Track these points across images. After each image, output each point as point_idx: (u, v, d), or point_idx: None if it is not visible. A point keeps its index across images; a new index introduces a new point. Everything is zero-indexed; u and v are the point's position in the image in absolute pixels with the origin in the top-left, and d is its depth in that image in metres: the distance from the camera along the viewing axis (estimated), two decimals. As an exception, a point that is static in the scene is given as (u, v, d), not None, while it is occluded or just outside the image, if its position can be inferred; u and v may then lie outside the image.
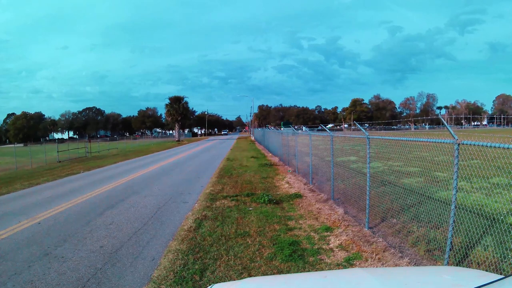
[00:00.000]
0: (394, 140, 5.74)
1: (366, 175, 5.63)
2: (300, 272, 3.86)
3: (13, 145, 35.80)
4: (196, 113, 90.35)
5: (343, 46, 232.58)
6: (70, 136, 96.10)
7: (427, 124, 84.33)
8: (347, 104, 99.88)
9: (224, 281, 3.69)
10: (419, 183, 6.98)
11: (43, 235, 5.71)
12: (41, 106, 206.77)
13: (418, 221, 5.02)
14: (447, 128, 3.63)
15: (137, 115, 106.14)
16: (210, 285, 1.42)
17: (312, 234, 5.40)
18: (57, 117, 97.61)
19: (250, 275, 3.92)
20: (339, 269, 3.99)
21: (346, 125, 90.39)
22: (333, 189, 7.52)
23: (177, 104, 56.78)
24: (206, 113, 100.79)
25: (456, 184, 3.56)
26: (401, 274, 1.65)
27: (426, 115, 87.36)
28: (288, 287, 1.45)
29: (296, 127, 43.71)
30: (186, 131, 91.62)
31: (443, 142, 3.71)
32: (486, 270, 2.55)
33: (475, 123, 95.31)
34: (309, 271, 3.93)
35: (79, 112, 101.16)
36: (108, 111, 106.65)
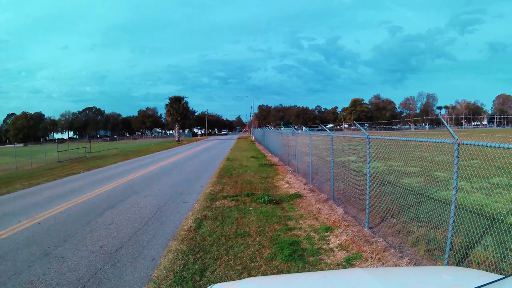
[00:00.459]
0: (394, 140, 5.74)
1: (366, 175, 5.63)
2: (300, 272, 3.86)
3: (13, 145, 35.81)
4: (196, 113, 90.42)
5: (343, 46, 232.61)
6: (70, 136, 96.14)
7: (427, 124, 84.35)
8: (347, 104, 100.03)
9: (224, 281, 3.69)
10: (419, 183, 6.98)
11: (43, 235, 5.71)
12: (41, 106, 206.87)
13: (418, 221, 5.02)
14: (447, 128, 3.64)
15: (137, 115, 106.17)
16: (210, 285, 1.42)
17: (312, 234, 5.40)
18: (57, 117, 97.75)
19: (250, 275, 3.92)
20: (339, 269, 3.99)
21: (346, 125, 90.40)
22: (333, 189, 7.52)
23: (177, 104, 56.78)
24: (206, 113, 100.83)
25: (456, 184, 3.56)
26: (401, 274, 1.65)
27: (426, 115, 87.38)
28: (288, 287, 1.45)
29: (296, 127, 43.74)
30: (186, 131, 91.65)
31: (443, 142, 3.71)
32: (486, 270, 2.55)
33: (475, 123, 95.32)
34: (309, 271, 3.93)
35: (79, 112, 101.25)
36: (108, 111, 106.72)
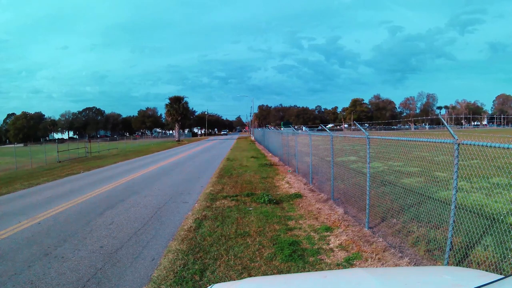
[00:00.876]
0: (394, 140, 5.74)
1: (366, 175, 5.63)
2: (300, 272, 3.86)
3: (13, 145, 35.81)
4: (196, 113, 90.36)
5: (343, 46, 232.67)
6: (70, 136, 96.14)
7: (427, 124, 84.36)
8: (347, 104, 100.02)
9: (224, 281, 3.69)
10: (419, 183, 6.98)
11: (43, 235, 5.71)
12: (41, 106, 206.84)
13: (418, 221, 5.02)
14: (447, 128, 3.64)
15: (137, 115, 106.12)
16: (210, 285, 1.42)
17: (312, 234, 5.40)
18: (57, 117, 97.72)
19: (250, 275, 3.92)
20: (339, 269, 3.99)
21: (346, 125, 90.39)
22: (333, 189, 7.52)
23: (177, 104, 56.77)
24: (206, 113, 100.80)
25: (456, 184, 3.56)
26: (401, 274, 1.65)
27: (426, 115, 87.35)
28: (288, 287, 1.45)
29: (296, 127, 43.73)
30: (186, 131, 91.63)
31: (443, 142, 3.71)
32: (486, 270, 2.55)
33: (475, 123, 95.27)
34: (309, 271, 3.93)
35: (79, 112, 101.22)
36: (108, 111, 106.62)
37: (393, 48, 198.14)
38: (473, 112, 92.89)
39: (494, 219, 4.67)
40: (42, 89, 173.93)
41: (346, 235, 5.22)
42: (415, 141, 4.57)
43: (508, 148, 2.81)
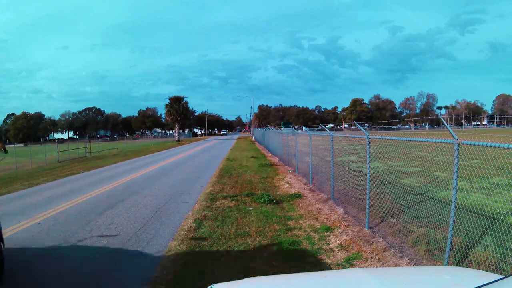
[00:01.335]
0: (394, 140, 5.74)
1: (366, 175, 5.63)
2: (300, 272, 3.86)
3: (13, 145, 35.82)
4: (196, 113, 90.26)
5: (343, 46, 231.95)
6: (70, 136, 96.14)
7: (427, 124, 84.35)
8: (347, 104, 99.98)
9: (224, 281, 3.69)
10: (419, 183, 6.97)
11: (43, 235, 5.71)
12: (41, 106, 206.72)
13: (418, 221, 5.02)
14: (447, 128, 3.64)
15: (137, 115, 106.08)
16: (210, 285, 1.42)
17: (312, 234, 5.40)
18: (57, 117, 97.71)
19: (250, 275, 3.92)
20: (339, 269, 3.99)
21: (346, 125, 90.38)
22: (333, 189, 7.52)
23: (177, 104, 56.77)
24: (206, 113, 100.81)
25: (456, 184, 3.56)
26: (401, 274, 1.65)
27: (426, 115, 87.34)
28: (288, 287, 1.45)
29: (296, 127, 43.70)
30: (186, 131, 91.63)
31: (443, 142, 3.71)
32: (486, 270, 2.55)
33: (475, 123, 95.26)
34: (309, 271, 3.93)
35: (79, 112, 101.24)
36: (108, 111, 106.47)
37: (393, 48, 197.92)
38: (473, 112, 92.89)
39: (494, 219, 4.67)
40: (42, 89, 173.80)
41: (346, 235, 5.22)
42: (415, 141, 4.57)
43: (508, 148, 2.81)
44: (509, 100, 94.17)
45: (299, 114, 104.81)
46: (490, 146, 3.01)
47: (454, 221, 3.65)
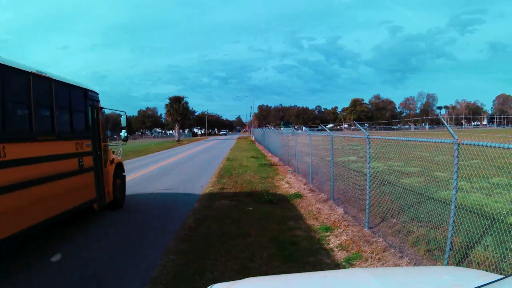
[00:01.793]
0: (394, 140, 5.74)
1: (366, 175, 5.63)
2: (300, 272, 3.86)
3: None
4: (196, 113, 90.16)
5: (344, 46, 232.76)
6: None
7: (427, 124, 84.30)
8: (347, 104, 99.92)
9: (224, 281, 3.69)
10: (419, 183, 6.97)
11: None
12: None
13: (418, 221, 5.01)
14: (447, 128, 3.64)
15: (137, 115, 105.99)
16: (210, 285, 1.42)
17: (312, 234, 5.40)
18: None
19: (250, 275, 3.91)
20: (339, 269, 3.99)
21: (346, 125, 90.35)
22: (333, 189, 7.52)
23: (177, 104, 56.73)
24: (206, 113, 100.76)
25: (456, 184, 3.56)
26: (401, 274, 1.65)
27: (426, 115, 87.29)
28: (288, 287, 1.45)
29: (296, 127, 43.67)
30: (186, 131, 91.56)
31: (443, 142, 3.70)
32: (486, 270, 2.55)
33: (475, 123, 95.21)
34: (309, 271, 3.93)
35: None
36: (108, 111, 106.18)
37: (393, 48, 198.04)
38: (473, 112, 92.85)
39: (494, 219, 4.66)
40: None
41: (346, 235, 5.22)
42: (415, 141, 4.57)
43: (508, 148, 2.81)
44: (509, 100, 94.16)
45: (299, 114, 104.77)
46: (490, 146, 3.01)
47: (454, 221, 3.65)
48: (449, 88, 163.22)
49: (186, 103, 58.58)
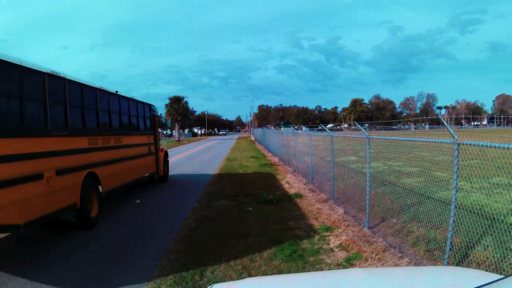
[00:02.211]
0: (394, 140, 5.74)
1: (366, 175, 5.63)
2: (300, 272, 3.86)
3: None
4: (196, 113, 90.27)
5: (344, 46, 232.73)
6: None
7: (427, 124, 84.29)
8: (347, 104, 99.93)
9: (224, 281, 3.69)
10: (419, 183, 6.97)
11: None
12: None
13: (418, 221, 5.01)
14: (447, 128, 3.64)
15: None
16: (210, 285, 1.42)
17: (312, 234, 5.40)
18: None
19: (250, 275, 3.92)
20: (339, 269, 3.99)
21: (346, 125, 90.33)
22: (333, 189, 7.52)
23: (177, 104, 56.74)
24: (206, 113, 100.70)
25: (456, 184, 3.56)
26: (401, 274, 1.65)
27: (426, 115, 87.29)
28: (288, 287, 1.45)
29: (296, 127, 43.64)
30: (186, 131, 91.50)
31: (443, 142, 3.70)
32: (486, 270, 2.55)
33: (475, 123, 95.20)
34: (309, 271, 3.93)
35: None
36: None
37: (393, 48, 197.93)
38: (473, 112, 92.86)
39: (494, 219, 4.66)
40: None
41: (346, 235, 5.22)
42: (415, 141, 4.57)
43: (508, 148, 2.81)
44: (509, 100, 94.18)
45: (299, 114, 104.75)
46: (490, 146, 3.01)
47: (454, 221, 3.65)
48: (449, 88, 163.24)
49: (186, 103, 58.71)
